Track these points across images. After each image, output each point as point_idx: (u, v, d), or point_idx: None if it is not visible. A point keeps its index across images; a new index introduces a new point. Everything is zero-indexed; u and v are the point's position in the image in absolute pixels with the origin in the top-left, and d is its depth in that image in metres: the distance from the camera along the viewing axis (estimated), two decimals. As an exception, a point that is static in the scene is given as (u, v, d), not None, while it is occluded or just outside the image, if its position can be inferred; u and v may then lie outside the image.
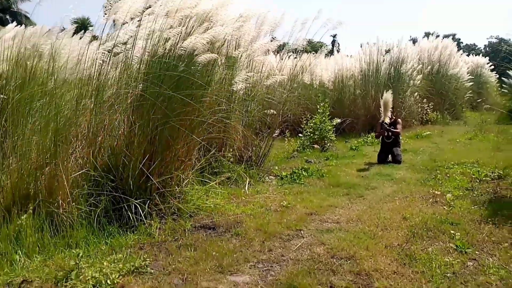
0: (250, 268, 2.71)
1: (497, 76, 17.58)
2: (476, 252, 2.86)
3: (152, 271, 2.66)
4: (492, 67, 17.83)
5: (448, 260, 2.72)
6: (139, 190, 3.47)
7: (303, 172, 5.51)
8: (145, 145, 3.48)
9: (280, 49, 6.83)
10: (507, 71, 13.00)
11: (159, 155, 3.56)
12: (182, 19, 3.73)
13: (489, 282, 2.44)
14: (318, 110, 7.88)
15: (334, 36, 47.92)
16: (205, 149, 4.49)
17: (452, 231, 3.17)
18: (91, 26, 4.45)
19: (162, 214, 3.55)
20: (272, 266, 2.73)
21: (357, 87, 10.54)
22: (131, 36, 3.68)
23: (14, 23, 5.66)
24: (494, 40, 54.68)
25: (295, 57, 7.27)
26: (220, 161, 5.00)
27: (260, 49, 5.18)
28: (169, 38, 3.57)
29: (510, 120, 10.57)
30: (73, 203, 3.15)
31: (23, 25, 5.43)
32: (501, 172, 4.98)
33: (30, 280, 2.49)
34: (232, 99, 5.13)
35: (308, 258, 2.81)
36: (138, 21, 3.70)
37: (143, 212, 3.39)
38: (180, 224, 3.45)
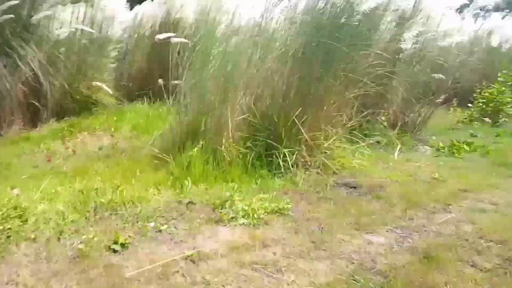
0: (387, 231, 2.71)
1: None
2: None
3: (293, 214, 2.89)
4: None
5: None
6: (289, 140, 3.72)
7: (465, 146, 4.99)
8: (300, 97, 3.67)
9: (464, 7, 6.04)
10: None
11: (311, 109, 3.72)
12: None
13: None
14: (499, 79, 6.84)
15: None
16: (358, 108, 4.46)
17: None
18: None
19: (308, 166, 3.75)
20: (410, 234, 2.68)
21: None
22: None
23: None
24: None
25: (482, 16, 6.32)
26: (372, 122, 4.91)
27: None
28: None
29: None
30: (234, 144, 3.59)
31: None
32: None
33: (194, 202, 3.00)
34: (397, 58, 4.87)
35: (451, 234, 2.66)
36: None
37: (290, 161, 3.64)
38: (323, 178, 3.60)
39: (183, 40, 3.98)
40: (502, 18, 8.82)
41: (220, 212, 2.80)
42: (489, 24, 8.50)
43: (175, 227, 2.57)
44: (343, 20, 3.63)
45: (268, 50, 3.80)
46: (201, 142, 3.52)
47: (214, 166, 3.50)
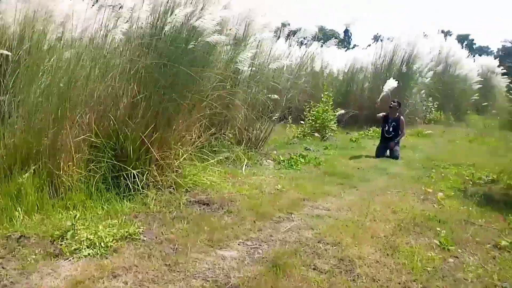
0: (239, 244, 2.82)
1: (509, 81, 17.39)
2: (459, 250, 2.95)
3: (145, 238, 2.76)
4: (504, 71, 17.63)
5: (430, 255, 2.80)
6: (138, 160, 3.56)
7: (301, 158, 5.60)
8: (148, 116, 3.55)
9: (291, 35, 6.81)
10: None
11: (160, 128, 3.64)
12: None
13: (466, 278, 2.53)
14: (322, 99, 7.92)
15: (348, 25, 47.31)
16: (206, 126, 4.56)
17: (438, 228, 3.25)
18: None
19: (159, 186, 3.64)
20: (260, 245, 2.83)
21: (366, 79, 10.54)
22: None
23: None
24: (508, 44, 54.00)
25: (305, 44, 7.24)
26: (220, 140, 5.08)
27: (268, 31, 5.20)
28: (176, 15, 3.59)
29: (513, 127, 10.57)
30: (74, 167, 3.24)
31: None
32: (495, 177, 5.05)
33: (28, 236, 2.59)
34: (237, 79, 5.17)
35: (295, 241, 2.92)
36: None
37: (140, 183, 3.48)
38: (175, 197, 3.55)
39: (4, 52, 3.47)
40: (321, 47, 10.31)
41: (60, 245, 2.51)
42: (311, 51, 9.81)
43: (3, 267, 2.21)
44: (184, 44, 3.68)
45: (109, 67, 3.58)
46: (33, 167, 3.07)
47: (51, 193, 3.11)
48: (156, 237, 2.80)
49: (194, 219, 3.15)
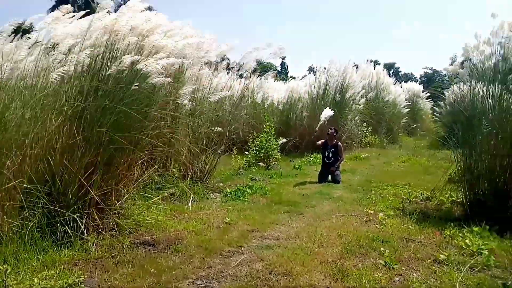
0: (188, 285, 2.72)
1: (432, 103, 18.93)
2: (403, 268, 3.08)
3: (86, 288, 2.59)
4: (427, 95, 19.20)
5: (377, 275, 2.90)
6: (76, 204, 3.36)
7: (247, 189, 5.61)
8: (87, 158, 3.39)
9: (229, 68, 6.96)
10: (439, 101, 14.11)
11: (100, 169, 3.48)
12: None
13: (411, 295, 2.64)
14: (264, 129, 8.09)
15: (283, 58, 49.45)
16: (148, 163, 4.45)
17: (382, 248, 3.39)
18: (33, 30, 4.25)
19: (100, 230, 3.46)
20: (210, 283, 2.76)
21: (304, 109, 10.96)
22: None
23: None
24: (429, 71, 59.29)
25: (244, 77, 7.41)
26: (164, 176, 4.96)
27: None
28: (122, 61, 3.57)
29: (440, 146, 11.43)
30: (4, 216, 2.99)
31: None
32: (429, 194, 5.39)
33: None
34: (178, 114, 5.14)
35: (246, 274, 2.88)
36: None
37: (79, 228, 3.28)
38: (118, 240, 3.38)
39: None
40: (260, 79, 10.67)
41: (-11, 306, 2.26)
42: (251, 83, 10.10)
43: None
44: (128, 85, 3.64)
45: (44, 109, 3.42)
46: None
47: (-24, 248, 2.82)
48: (98, 286, 2.64)
49: (139, 262, 3.01)
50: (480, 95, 4.49)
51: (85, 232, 3.33)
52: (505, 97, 4.30)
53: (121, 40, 3.70)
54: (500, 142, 4.26)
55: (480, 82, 4.51)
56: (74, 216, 3.28)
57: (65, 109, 3.40)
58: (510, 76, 4.34)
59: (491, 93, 4.38)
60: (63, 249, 3.12)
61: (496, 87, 4.36)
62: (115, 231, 3.53)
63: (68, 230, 3.23)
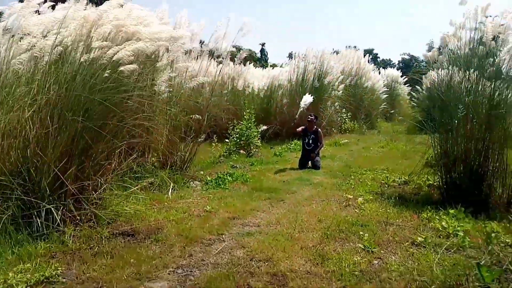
0: (169, 274, 2.70)
1: (410, 89, 19.22)
2: (381, 251, 3.13)
3: (64, 280, 2.54)
4: (405, 80, 19.47)
5: (356, 259, 2.94)
6: (52, 195, 3.27)
7: (228, 177, 5.59)
8: (61, 148, 3.29)
9: (208, 54, 6.84)
10: (416, 86, 14.32)
11: (76, 159, 3.39)
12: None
13: (390, 278, 2.69)
14: (244, 116, 8.05)
15: (263, 44, 49.19)
16: (127, 153, 4.36)
17: (361, 232, 3.44)
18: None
19: (78, 221, 3.38)
20: (191, 271, 2.75)
21: (284, 96, 10.95)
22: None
23: None
24: (407, 57, 60.08)
25: (221, 63, 7.30)
26: (143, 165, 4.89)
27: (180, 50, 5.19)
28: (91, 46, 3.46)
29: (418, 130, 11.65)
30: (-26, 210, 2.89)
31: None
32: (407, 178, 5.49)
33: None
34: (155, 102, 5.03)
35: (227, 262, 2.88)
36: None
37: (55, 219, 3.20)
38: (96, 231, 3.32)
39: None
40: (240, 64, 10.57)
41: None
42: (227, 69, 9.98)
43: None
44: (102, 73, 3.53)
45: (15, 97, 3.30)
46: None
47: None
48: (77, 277, 2.59)
49: (118, 253, 2.96)
50: (456, 80, 4.56)
51: (62, 224, 3.25)
52: (481, 82, 4.38)
53: (94, 30, 3.59)
54: (475, 126, 4.36)
55: (456, 68, 4.58)
56: (49, 207, 3.19)
57: (38, 98, 3.28)
58: (487, 60, 4.40)
59: (467, 77, 4.45)
60: (39, 241, 3.04)
61: (472, 72, 4.43)
62: (93, 222, 3.45)
63: (43, 222, 3.15)
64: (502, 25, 4.36)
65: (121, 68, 3.61)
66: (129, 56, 3.56)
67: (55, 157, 3.28)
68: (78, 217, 3.38)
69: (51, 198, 3.26)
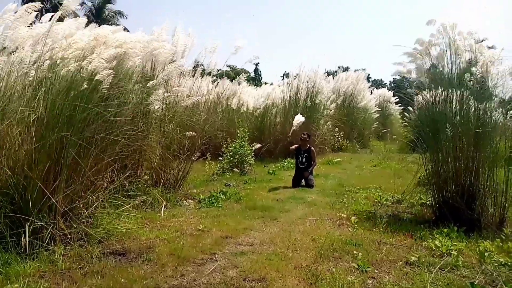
0: (160, 294, 2.66)
1: (401, 108, 19.38)
2: (375, 271, 3.11)
3: (53, 301, 2.48)
4: (397, 100, 19.69)
5: (350, 279, 2.92)
6: (41, 213, 3.22)
7: (222, 195, 5.56)
8: (48, 164, 3.26)
9: (203, 74, 6.90)
10: (408, 106, 14.47)
11: (64, 176, 3.35)
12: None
13: (384, 298, 2.67)
14: (238, 135, 8.07)
15: (257, 64, 49.72)
16: (119, 170, 4.33)
17: (355, 252, 3.42)
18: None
19: (68, 240, 3.33)
20: (183, 291, 2.70)
21: (278, 114, 11.03)
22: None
23: None
24: (398, 77, 60.93)
25: (217, 81, 7.37)
26: (135, 183, 4.85)
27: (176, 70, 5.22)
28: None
29: (409, 149, 11.71)
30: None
31: None
32: (400, 197, 5.51)
33: None
34: (149, 119, 5.03)
35: (220, 282, 2.83)
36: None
37: (46, 237, 3.15)
38: (87, 250, 3.26)
39: None
40: (233, 84, 10.70)
41: None
42: (221, 88, 10.09)
43: None
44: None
45: (5, 113, 3.28)
46: None
47: None
48: (66, 298, 2.53)
49: (109, 272, 2.91)
50: (441, 100, 4.62)
51: (52, 243, 3.19)
52: (465, 102, 4.46)
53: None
54: (464, 146, 4.41)
55: (440, 89, 4.64)
56: (38, 225, 3.13)
57: (26, 114, 3.26)
58: (467, 76, 4.46)
59: (451, 97, 4.52)
60: (28, 260, 2.98)
61: (456, 92, 4.50)
62: (84, 240, 3.40)
63: (33, 241, 3.09)
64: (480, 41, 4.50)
65: (98, 77, 3.55)
66: (105, 64, 3.54)
67: (42, 174, 3.24)
68: (69, 236, 3.33)
69: (40, 216, 3.21)
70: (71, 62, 3.53)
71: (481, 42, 4.60)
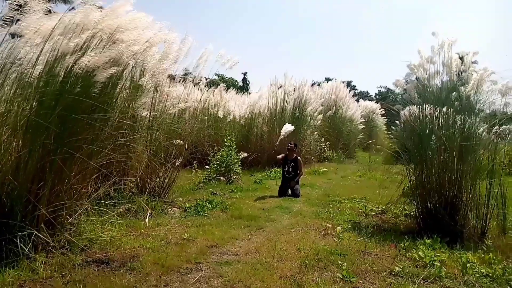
0: (144, 303, 2.62)
1: (386, 120, 19.66)
2: (360, 281, 3.13)
3: (32, 311, 2.42)
4: (383, 111, 19.97)
5: (334, 289, 2.93)
6: (24, 221, 3.16)
7: (208, 204, 5.53)
8: (34, 171, 3.20)
9: (191, 81, 6.90)
10: (393, 117, 14.68)
11: (49, 183, 3.30)
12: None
13: (368, 308, 2.68)
14: (225, 143, 8.06)
15: (245, 73, 49.93)
16: (104, 177, 4.28)
17: (340, 262, 3.43)
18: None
19: (50, 248, 3.26)
20: (167, 301, 2.67)
21: (265, 124, 11.07)
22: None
23: None
24: (383, 90, 61.91)
25: (203, 89, 7.37)
26: (120, 191, 4.79)
27: (165, 74, 5.20)
28: (66, 54, 3.37)
29: (394, 160, 11.85)
30: None
31: None
32: (384, 208, 5.56)
33: None
34: (136, 126, 4.99)
35: (204, 292, 2.81)
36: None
37: (26, 246, 3.08)
38: (69, 258, 3.20)
39: None
40: (219, 92, 10.69)
41: None
42: (208, 95, 10.04)
43: None
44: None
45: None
46: None
47: None
48: (46, 308, 2.47)
49: (91, 281, 2.85)
50: (427, 113, 4.72)
51: (33, 250, 3.12)
52: (451, 116, 4.56)
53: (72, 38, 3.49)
54: (448, 158, 4.49)
55: (427, 103, 4.74)
56: (20, 233, 3.07)
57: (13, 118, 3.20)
58: (454, 95, 4.59)
59: (438, 112, 4.62)
60: (7, 269, 2.91)
61: (441, 107, 4.61)
62: (67, 248, 3.33)
63: (13, 248, 3.02)
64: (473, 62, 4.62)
65: (98, 77, 3.43)
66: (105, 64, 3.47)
67: (27, 181, 3.18)
68: (51, 244, 3.26)
69: (22, 224, 3.14)
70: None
71: (473, 62, 4.73)
